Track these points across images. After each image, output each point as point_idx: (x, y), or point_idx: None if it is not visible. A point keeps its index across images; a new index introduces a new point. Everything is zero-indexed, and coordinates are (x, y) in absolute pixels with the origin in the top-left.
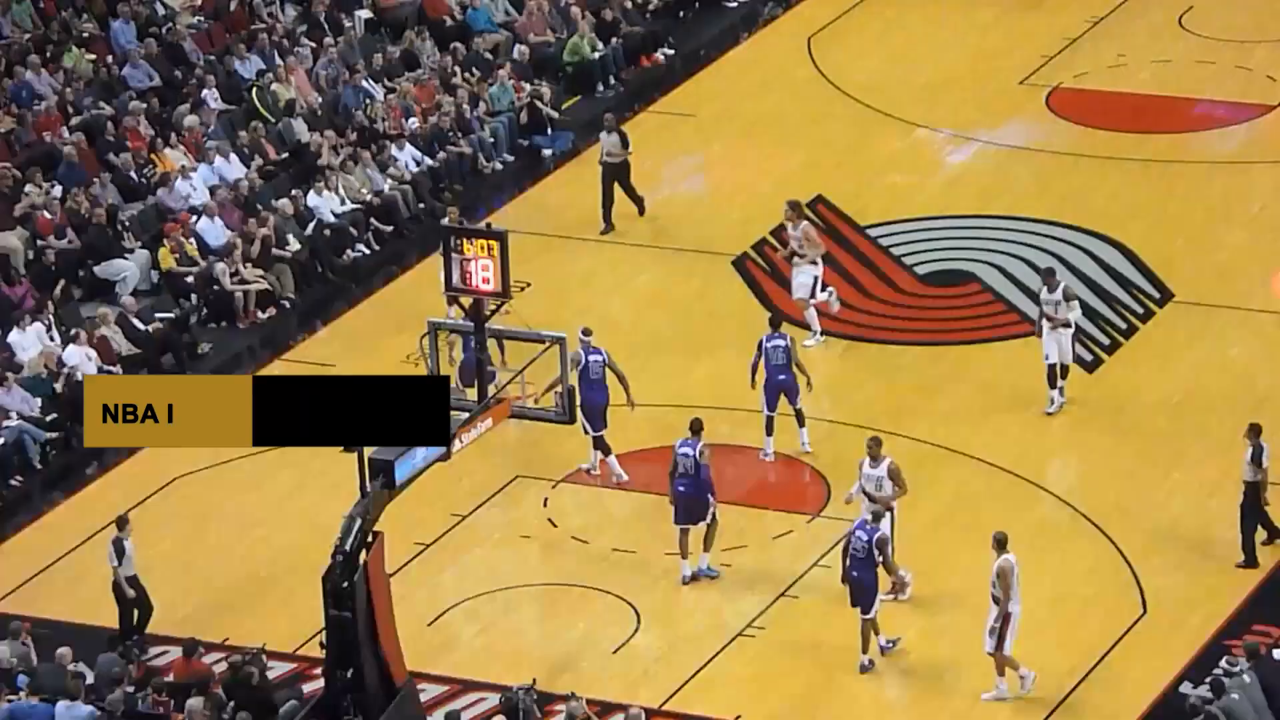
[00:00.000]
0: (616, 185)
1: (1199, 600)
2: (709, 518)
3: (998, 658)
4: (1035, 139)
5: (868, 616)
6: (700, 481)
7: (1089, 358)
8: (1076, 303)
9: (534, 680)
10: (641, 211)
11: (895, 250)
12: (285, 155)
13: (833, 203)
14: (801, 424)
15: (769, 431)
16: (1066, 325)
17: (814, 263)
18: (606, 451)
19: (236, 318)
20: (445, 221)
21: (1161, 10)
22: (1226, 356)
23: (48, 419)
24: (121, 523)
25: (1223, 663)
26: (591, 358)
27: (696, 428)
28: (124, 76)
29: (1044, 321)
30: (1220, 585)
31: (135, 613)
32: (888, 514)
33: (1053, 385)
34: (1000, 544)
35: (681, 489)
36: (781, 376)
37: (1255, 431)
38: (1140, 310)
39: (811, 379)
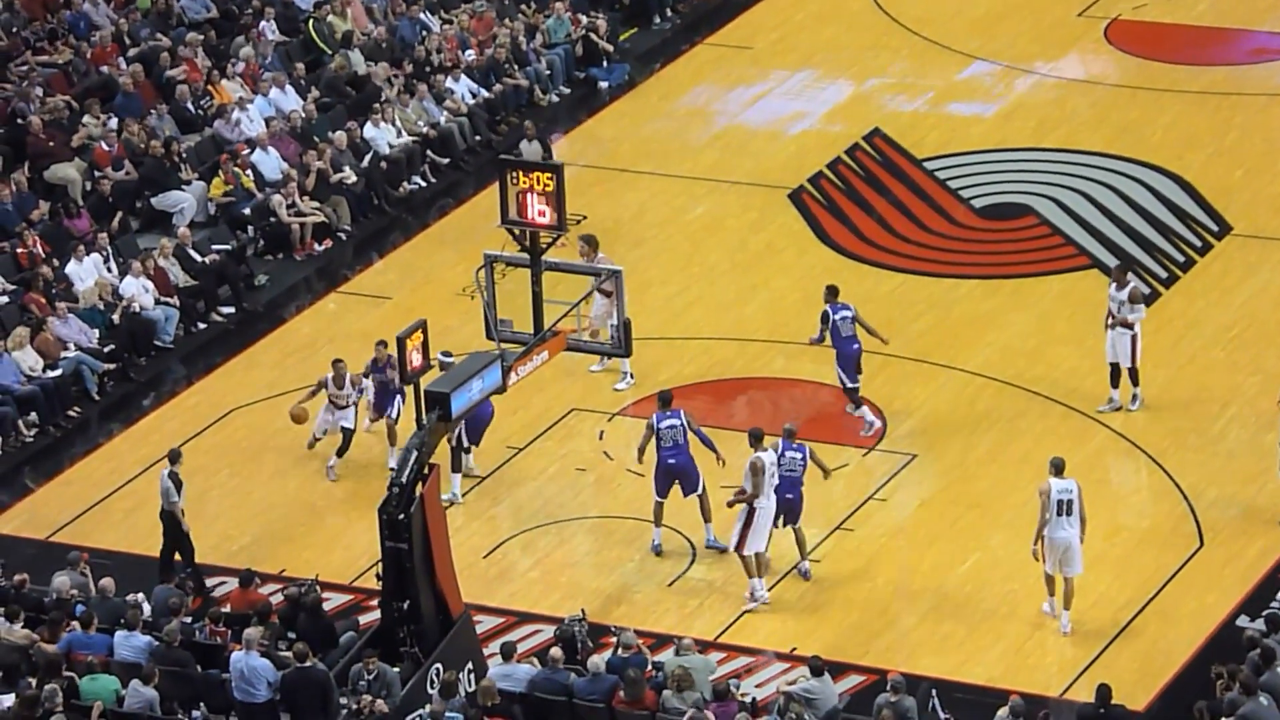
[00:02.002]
0: None
1: (1255, 533)
2: (699, 488)
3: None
4: (1093, 71)
5: (797, 526)
6: (689, 450)
7: (1146, 290)
8: (1143, 307)
9: (583, 611)
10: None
11: (952, 183)
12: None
13: (889, 135)
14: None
15: (857, 403)
16: (1127, 326)
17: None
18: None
19: (293, 249)
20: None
21: None
22: None
23: (105, 350)
24: (175, 457)
25: None
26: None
27: (667, 399)
28: (181, 7)
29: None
30: (1277, 519)
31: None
32: (747, 507)
33: (1114, 385)
34: (1053, 469)
35: (672, 461)
36: (855, 345)
37: None
38: (1198, 243)
39: (885, 338)
